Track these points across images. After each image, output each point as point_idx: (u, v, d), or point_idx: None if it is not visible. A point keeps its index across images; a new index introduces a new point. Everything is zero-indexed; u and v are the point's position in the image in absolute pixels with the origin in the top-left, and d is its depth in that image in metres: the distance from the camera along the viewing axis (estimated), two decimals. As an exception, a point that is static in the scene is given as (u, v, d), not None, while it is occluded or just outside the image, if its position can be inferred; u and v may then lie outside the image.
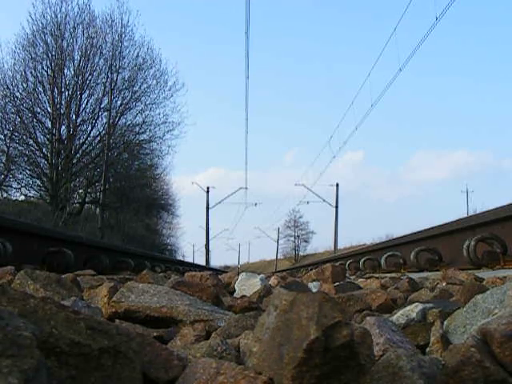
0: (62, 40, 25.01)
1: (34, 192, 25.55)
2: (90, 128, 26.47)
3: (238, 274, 3.70)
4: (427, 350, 1.44)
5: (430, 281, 3.45)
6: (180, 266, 18.21)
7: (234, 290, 3.33)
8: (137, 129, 28.30)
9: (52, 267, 6.24)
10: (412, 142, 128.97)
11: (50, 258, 6.92)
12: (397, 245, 9.93)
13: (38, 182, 25.40)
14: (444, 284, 2.98)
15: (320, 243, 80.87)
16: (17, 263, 4.54)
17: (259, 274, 3.63)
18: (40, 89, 24.96)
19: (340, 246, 47.89)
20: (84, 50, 25.62)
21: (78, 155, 26.10)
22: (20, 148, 24.47)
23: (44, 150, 25.07)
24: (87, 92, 26.04)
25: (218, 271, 24.96)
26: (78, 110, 25.79)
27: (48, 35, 24.88)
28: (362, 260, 11.16)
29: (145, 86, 27.62)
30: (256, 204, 51.19)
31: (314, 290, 3.13)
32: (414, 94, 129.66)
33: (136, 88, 27.44)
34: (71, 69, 25.59)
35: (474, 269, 5.56)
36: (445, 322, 1.55)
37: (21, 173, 24.67)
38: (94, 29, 25.73)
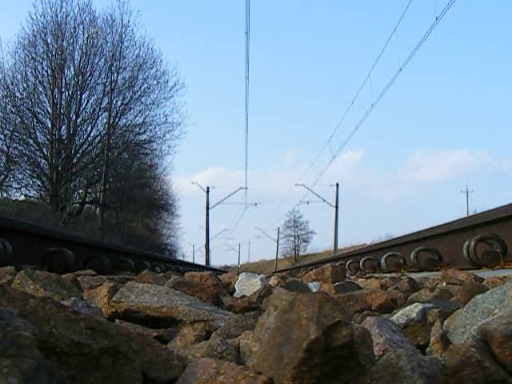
0: (63, 40, 25.01)
1: (33, 192, 25.56)
2: (90, 128, 26.48)
3: (238, 274, 3.70)
4: (427, 350, 1.44)
5: (430, 281, 3.45)
6: (180, 266, 18.21)
7: (234, 290, 3.33)
8: (137, 129, 28.29)
9: (52, 267, 6.24)
10: (412, 141, 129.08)
11: (50, 258, 6.92)
12: (397, 245, 9.94)
13: (38, 182, 25.38)
14: (444, 284, 2.98)
15: (320, 243, 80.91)
16: (17, 263, 4.54)
17: (259, 274, 3.63)
18: (40, 89, 24.97)
19: (340, 245, 47.90)
20: (84, 50, 25.63)
21: (78, 155, 26.08)
22: (20, 148, 24.46)
23: (44, 150, 25.06)
24: (87, 92, 26.05)
25: (218, 271, 24.96)
26: (78, 110, 25.78)
27: (48, 35, 24.89)
28: (362, 260, 11.16)
29: (145, 86, 27.63)
30: (256, 204, 51.24)
31: (314, 290, 3.13)
32: (414, 93, 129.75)
33: (136, 88, 27.45)
34: (71, 69, 25.61)
35: (474, 269, 5.56)
36: (445, 322, 1.55)
37: (21, 173, 24.66)
38: (95, 29, 25.72)
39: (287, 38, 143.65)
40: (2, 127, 23.35)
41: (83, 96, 25.87)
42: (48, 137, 25.03)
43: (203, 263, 41.59)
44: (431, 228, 8.22)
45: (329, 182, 57.42)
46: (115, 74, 26.29)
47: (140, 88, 27.53)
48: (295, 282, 3.34)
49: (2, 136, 23.35)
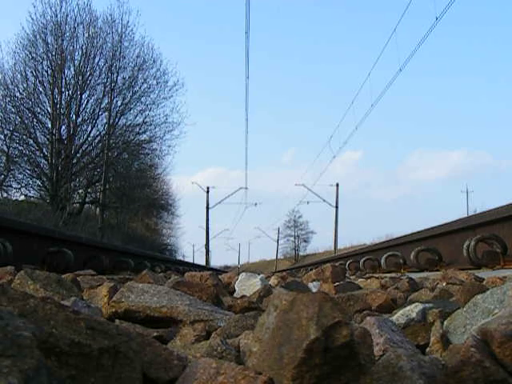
0: (63, 40, 25.00)
1: (34, 192, 25.53)
2: (90, 128, 26.44)
3: (238, 274, 3.70)
4: (427, 350, 1.44)
5: (430, 281, 3.45)
6: (180, 266, 18.21)
7: (234, 290, 3.33)
8: (137, 129, 28.27)
9: (52, 267, 6.24)
10: (411, 141, 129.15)
11: (50, 258, 6.92)
12: (397, 245, 9.94)
13: (38, 182, 25.37)
14: (444, 284, 2.98)
15: (320, 243, 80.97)
16: (17, 263, 4.54)
17: (259, 274, 3.63)
18: (40, 89, 24.94)
19: (340, 246, 47.94)
20: (84, 50, 25.62)
21: (78, 155, 26.06)
22: (20, 148, 24.44)
23: (44, 150, 25.04)
24: (87, 92, 26.00)
25: (218, 271, 24.96)
26: (78, 109, 25.76)
27: (48, 35, 24.87)
28: (362, 260, 11.16)
29: (145, 86, 27.62)
30: (256, 204, 51.24)
31: (314, 290, 3.13)
32: (414, 94, 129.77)
33: (136, 88, 27.44)
34: (71, 69, 25.58)
35: (474, 269, 5.56)
36: (445, 322, 1.55)
37: (21, 173, 24.63)
38: (95, 29, 25.72)
39: (287, 38, 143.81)
40: (2, 127, 23.33)
41: (83, 96, 25.86)
42: (48, 137, 25.01)
43: (203, 263, 41.61)
44: (431, 228, 8.23)
45: (329, 181, 57.52)
46: (115, 74, 26.29)
47: (140, 88, 27.53)
48: (295, 282, 3.34)
49: (2, 136, 23.34)
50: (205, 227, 43.68)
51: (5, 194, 23.32)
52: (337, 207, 40.30)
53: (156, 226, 44.50)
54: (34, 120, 24.65)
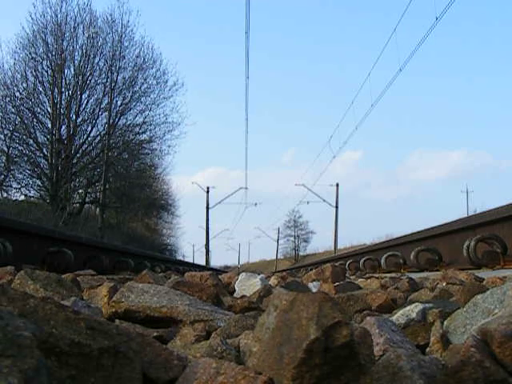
0: (63, 40, 25.00)
1: (34, 192, 25.54)
2: (89, 128, 26.46)
3: (238, 274, 3.70)
4: (427, 350, 1.44)
5: (430, 281, 3.45)
6: (180, 266, 18.21)
7: (234, 290, 3.33)
8: (137, 129, 28.27)
9: (52, 267, 6.24)
10: (411, 141, 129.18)
11: (50, 258, 6.92)
12: (397, 245, 9.94)
13: (38, 182, 25.38)
14: (444, 284, 2.98)
15: (320, 243, 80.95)
16: (17, 263, 4.54)
17: (259, 274, 3.63)
18: (40, 89, 24.96)
19: (340, 246, 47.95)
20: (84, 50, 25.63)
21: (78, 155, 26.07)
22: (20, 148, 24.44)
23: (44, 150, 25.05)
24: (87, 92, 26.02)
25: (218, 271, 24.96)
26: (78, 109, 25.76)
27: (48, 35, 24.88)
28: (362, 260, 11.16)
29: (145, 86, 27.62)
30: (256, 204, 51.28)
31: (314, 290, 3.13)
32: (414, 93, 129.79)
33: (136, 88, 27.45)
34: (71, 69, 25.60)
35: (474, 269, 5.56)
36: (445, 322, 1.55)
37: (21, 173, 24.64)
38: (95, 29, 25.72)
39: (287, 37, 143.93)
40: (2, 127, 23.33)
41: (83, 96, 25.86)
42: (48, 137, 25.01)
43: (203, 263, 41.62)
44: (431, 228, 8.23)
45: (329, 181, 57.57)
46: (115, 74, 26.29)
47: (140, 88, 27.53)
48: (295, 282, 3.34)
49: (2, 136, 23.33)
50: (205, 227, 43.73)
51: (5, 194, 23.32)
52: (337, 207, 40.31)
53: (156, 226, 44.51)
54: (34, 120, 24.66)
